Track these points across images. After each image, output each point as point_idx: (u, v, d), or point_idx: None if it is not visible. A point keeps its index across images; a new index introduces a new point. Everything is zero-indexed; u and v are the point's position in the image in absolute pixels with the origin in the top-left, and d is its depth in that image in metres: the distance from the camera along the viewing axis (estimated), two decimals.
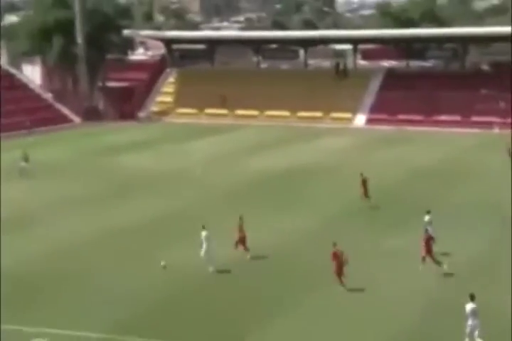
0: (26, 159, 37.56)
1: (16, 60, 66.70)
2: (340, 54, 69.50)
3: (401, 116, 56.98)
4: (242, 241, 23.38)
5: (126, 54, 66.41)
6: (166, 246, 24.81)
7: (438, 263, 22.22)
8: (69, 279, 21.73)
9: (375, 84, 61.16)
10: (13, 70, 62.86)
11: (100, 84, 65.59)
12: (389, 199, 30.86)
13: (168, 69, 68.29)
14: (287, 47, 68.77)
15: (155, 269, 22.63)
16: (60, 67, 63.50)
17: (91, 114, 61.81)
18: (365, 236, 25.62)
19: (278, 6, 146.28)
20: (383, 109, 57.85)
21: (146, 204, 31.06)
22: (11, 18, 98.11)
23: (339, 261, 20.85)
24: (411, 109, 56.76)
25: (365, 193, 29.80)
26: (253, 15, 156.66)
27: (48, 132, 54.40)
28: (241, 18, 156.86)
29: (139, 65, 67.03)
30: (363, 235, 25.76)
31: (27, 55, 64.45)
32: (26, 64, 68.41)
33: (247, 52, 70.01)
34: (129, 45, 67.17)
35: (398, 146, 45.97)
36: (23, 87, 61.36)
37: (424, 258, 22.26)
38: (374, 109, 58.79)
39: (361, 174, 30.48)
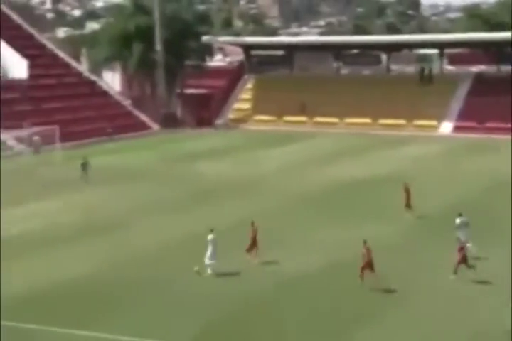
0: (85, 166, 38.52)
1: (97, 67, 69.07)
2: (425, 59, 68.66)
3: (490, 124, 55.76)
4: (252, 246, 23.77)
5: (204, 60, 67.62)
6: (243, 252, 25.19)
7: (471, 267, 21.95)
8: (147, 286, 22.21)
9: (462, 90, 60.11)
10: (93, 77, 65.11)
11: (178, 90, 66.98)
12: (469, 210, 30.31)
13: (246, 76, 69.03)
14: (369, 52, 68.47)
15: (233, 276, 23.04)
16: (139, 74, 65.26)
17: (169, 121, 63.19)
18: (447, 249, 25.26)
19: (359, 10, 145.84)
20: (471, 116, 56.76)
21: (225, 210, 31.58)
22: (92, 26, 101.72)
23: (368, 259, 21.43)
24: (501, 116, 55.47)
25: (408, 203, 29.33)
26: (333, 20, 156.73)
27: (127, 139, 55.94)
28: (321, 23, 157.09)
29: (217, 72, 68.10)
30: (445, 247, 25.39)
31: (107, 62, 66.47)
32: (106, 71, 70.73)
33: (327, 58, 70.06)
34: (208, 51, 68.41)
35: (485, 155, 45.05)
36: (103, 94, 63.42)
37: (458, 267, 21.88)
38: (461, 116, 57.76)
39: (405, 183, 29.98)
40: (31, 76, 57.11)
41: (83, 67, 68.66)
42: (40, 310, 20.35)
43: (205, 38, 65.84)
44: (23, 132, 46.59)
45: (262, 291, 21.85)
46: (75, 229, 28.56)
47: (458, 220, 24.43)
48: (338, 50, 67.81)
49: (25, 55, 57.56)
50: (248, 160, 45.81)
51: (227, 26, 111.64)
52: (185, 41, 64.47)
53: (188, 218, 30.31)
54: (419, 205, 30.73)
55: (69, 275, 23.10)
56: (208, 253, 22.87)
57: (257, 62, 70.35)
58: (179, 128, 61.57)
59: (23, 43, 61.33)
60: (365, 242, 21.83)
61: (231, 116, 65.76)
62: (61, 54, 65.35)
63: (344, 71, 68.39)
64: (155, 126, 62.56)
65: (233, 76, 69.28)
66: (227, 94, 67.64)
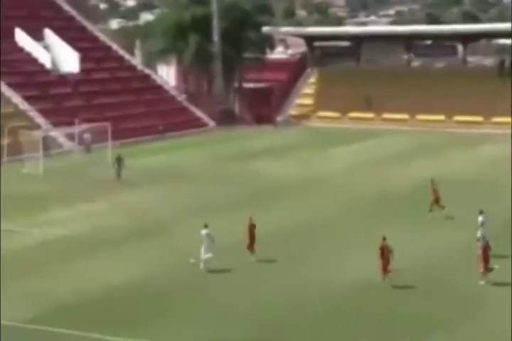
0: (119, 163, 38.85)
1: (151, 60, 69.84)
2: (505, 50, 67.10)
3: None
4: (251, 243, 24.95)
5: (264, 52, 67.61)
6: (311, 257, 25.02)
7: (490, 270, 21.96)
8: (197, 293, 22.27)
9: None
10: (147, 71, 65.87)
11: (236, 85, 67.17)
12: None
13: (309, 69, 68.77)
14: (443, 43, 67.34)
15: (301, 281, 22.88)
16: (195, 67, 65.67)
17: (226, 118, 63.40)
18: None
19: None
20: None
21: (285, 213, 31.44)
22: (147, 17, 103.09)
23: (387, 257, 22.03)
24: None
25: (436, 201, 29.51)
26: (404, 8, 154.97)
27: (181, 136, 56.31)
28: (391, 12, 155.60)
29: (278, 65, 68.00)
30: None
31: (162, 55, 67.07)
32: (161, 64, 71.49)
33: (397, 49, 69.17)
34: (268, 42, 68.33)
35: None
36: (157, 89, 64.04)
37: (486, 271, 21.86)
38: None
39: (432, 180, 30.18)
40: (83, 70, 58.22)
41: (137, 60, 69.54)
42: (84, 316, 20.61)
43: (265, 29, 65.83)
44: (74, 129, 47.43)
45: (331, 299, 21.62)
46: (123, 232, 28.85)
47: (480, 218, 24.94)
48: (408, 41, 66.87)
49: (77, 48, 58.69)
50: (309, 159, 45.57)
51: (289, 16, 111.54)
52: (244, 32, 64.55)
53: (241, 221, 30.31)
54: (504, 208, 29.99)
55: (115, 281, 23.33)
56: (203, 248, 24.12)
57: (320, 54, 70.02)
58: (236, 126, 61.71)
59: (75, 35, 62.48)
60: (384, 239, 22.46)
61: (292, 112, 65.59)
62: (114, 46, 66.29)
63: (415, 63, 67.43)
64: (211, 123, 62.85)
65: (295, 69, 69.09)
66: (288, 88, 67.50)
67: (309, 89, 67.02)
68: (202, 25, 62.98)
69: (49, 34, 59.32)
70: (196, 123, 61.64)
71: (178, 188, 37.14)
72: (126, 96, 59.65)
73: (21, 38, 58.69)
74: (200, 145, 52.46)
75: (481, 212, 25.17)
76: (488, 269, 22.36)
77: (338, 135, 55.67)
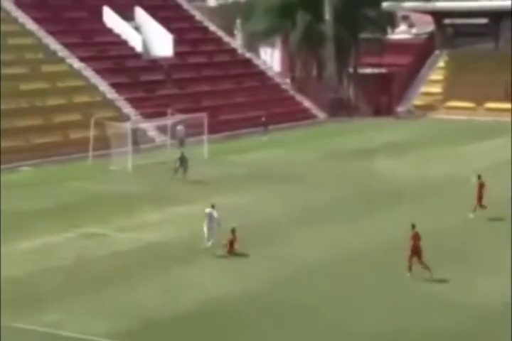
0: (182, 163, 39.21)
1: (253, 43, 70.30)
2: None
3: None
4: (231, 243, 27.06)
5: (384, 32, 67.02)
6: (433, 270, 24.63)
7: None
8: (291, 313, 22.19)
9: None
10: (249, 55, 66.36)
11: (351, 70, 66.84)
12: None
13: (437, 51, 67.81)
14: None
15: (407, 298, 22.55)
16: (304, 50, 65.68)
17: (339, 108, 63.14)
18: None
19: None
20: None
21: (406, 218, 30.93)
22: None
23: (416, 245, 23.88)
24: None
25: (480, 201, 30.83)
26: None
27: (286, 130, 56.38)
28: None
29: (400, 46, 67.15)
30: None
31: (266, 36, 67.47)
32: (264, 47, 71.89)
33: None
34: (389, 21, 67.73)
35: None
36: (260, 75, 64.44)
37: None
38: None
39: (478, 176, 31.27)
40: (177, 54, 59.11)
41: (237, 42, 70.20)
42: (177, 332, 20.83)
43: (385, 5, 65.29)
44: (167, 120, 48.19)
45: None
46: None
47: None
48: None
49: (170, 29, 59.62)
50: (436, 158, 44.83)
51: None
52: (360, 9, 64.08)
53: (358, 227, 30.06)
54: None
55: (215, 294, 23.54)
56: (205, 227, 27.16)
57: (451, 33, 68.82)
58: (351, 118, 61.38)
59: (168, 15, 63.56)
60: (413, 227, 24.26)
61: (417, 102, 64.82)
62: (212, 27, 67.09)
63: None
64: (321, 115, 62.74)
65: (420, 51, 68.21)
66: (412, 74, 66.70)
67: (437, 75, 66.03)
68: (311, 2, 62.95)
69: (140, 13, 60.43)
70: (304, 115, 61.65)
71: (286, 190, 37.19)
72: (224, 84, 60.28)
73: (109, 18, 60.02)
74: (308, 141, 52.39)
75: None
76: None
77: (472, 129, 54.62)
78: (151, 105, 53.26)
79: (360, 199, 35.17)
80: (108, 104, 53.18)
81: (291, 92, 64.09)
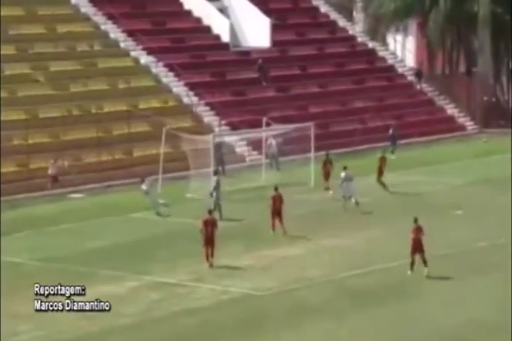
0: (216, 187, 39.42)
1: (379, 28, 70.16)
2: None
3: None
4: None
5: None
6: None
7: None
8: None
9: None
10: (373, 44, 66.29)
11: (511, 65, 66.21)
12: None
13: None
14: None
15: None
16: (448, 38, 65.37)
17: (495, 117, 62.51)
18: None
19: None
20: None
21: None
22: None
23: (418, 237, 29.59)
24: None
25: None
26: None
27: (423, 145, 56.28)
28: None
29: None
30: None
31: (396, 19, 67.44)
32: (394, 34, 71.68)
33: None
34: None
35: None
36: (387, 72, 64.34)
37: None
38: None
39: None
40: (276, 44, 59.41)
41: (357, 28, 70.26)
42: None
43: None
44: (261, 133, 48.38)
45: None
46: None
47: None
48: None
49: (267, 11, 60.11)
50: None
51: None
52: None
53: None
54: None
55: None
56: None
57: None
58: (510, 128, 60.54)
59: None
60: (416, 220, 30.06)
61: None
62: (323, 8, 67.36)
63: None
64: (471, 125, 62.41)
65: None
66: None
67: None
68: None
69: None
70: (447, 126, 61.44)
71: (441, 224, 37.06)
72: (339, 84, 60.54)
73: None
74: (454, 161, 51.99)
75: None
76: None
77: None
78: (240, 112, 53.63)
79: None
80: (184, 110, 53.93)
81: (430, 95, 63.89)
